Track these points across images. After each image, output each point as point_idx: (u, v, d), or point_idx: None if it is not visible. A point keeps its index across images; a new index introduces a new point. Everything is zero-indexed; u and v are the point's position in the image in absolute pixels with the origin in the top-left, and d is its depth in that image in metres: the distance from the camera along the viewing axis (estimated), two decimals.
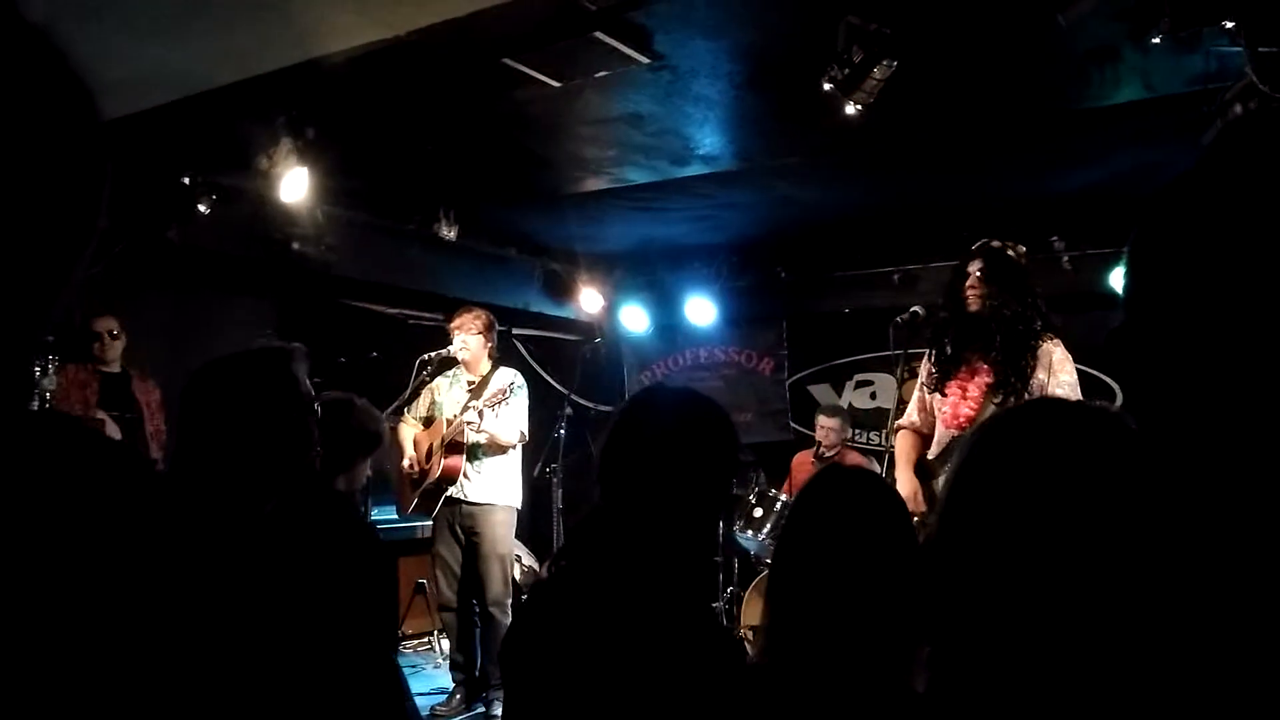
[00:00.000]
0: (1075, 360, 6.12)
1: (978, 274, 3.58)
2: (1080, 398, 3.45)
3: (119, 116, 4.46)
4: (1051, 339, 3.54)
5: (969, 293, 3.58)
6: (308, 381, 1.91)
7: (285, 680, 1.65)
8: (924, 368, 3.82)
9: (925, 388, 3.80)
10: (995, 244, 3.67)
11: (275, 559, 1.70)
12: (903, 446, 3.84)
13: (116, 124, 4.51)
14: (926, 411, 3.80)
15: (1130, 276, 0.81)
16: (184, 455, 1.81)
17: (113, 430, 4.71)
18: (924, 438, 3.80)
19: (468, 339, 4.99)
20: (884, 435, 4.23)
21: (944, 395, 3.66)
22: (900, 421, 3.95)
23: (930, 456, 3.70)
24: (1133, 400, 0.83)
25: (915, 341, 3.80)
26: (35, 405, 4.30)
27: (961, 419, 3.60)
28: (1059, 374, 3.48)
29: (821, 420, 6.21)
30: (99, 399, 4.87)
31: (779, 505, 5.68)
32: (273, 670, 1.64)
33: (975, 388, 3.58)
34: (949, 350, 3.64)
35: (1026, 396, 3.45)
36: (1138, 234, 0.81)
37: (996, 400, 3.51)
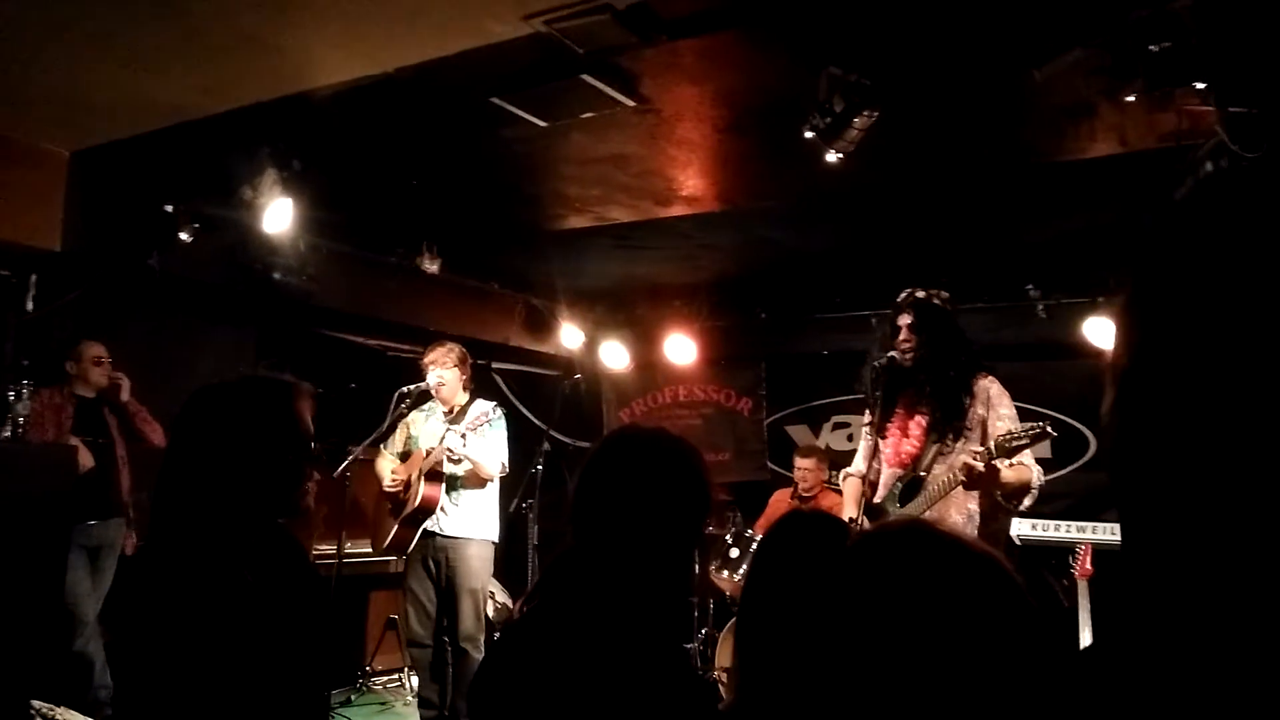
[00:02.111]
0: (1049, 407, 6.20)
1: (907, 327, 3.69)
2: (1021, 426, 3.51)
3: (105, 143, 4.48)
4: (985, 376, 3.65)
5: (902, 346, 3.68)
6: (309, 421, 1.86)
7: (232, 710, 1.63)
8: (866, 417, 3.92)
9: (868, 437, 3.87)
10: (920, 294, 3.77)
11: (232, 594, 1.68)
12: (849, 490, 4.00)
13: (102, 150, 4.53)
14: (871, 457, 3.85)
15: (1127, 348, 0.79)
16: (171, 477, 1.78)
17: (85, 456, 4.67)
18: (869, 483, 3.84)
19: (444, 373, 4.99)
20: (839, 476, 4.35)
21: (884, 437, 3.75)
22: (848, 470, 4.08)
23: (877, 500, 3.74)
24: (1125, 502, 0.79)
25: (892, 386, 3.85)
26: (8, 431, 4.27)
27: (904, 456, 3.68)
28: (998, 408, 3.58)
29: (799, 461, 6.23)
30: (73, 424, 4.83)
31: (754, 546, 5.67)
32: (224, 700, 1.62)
33: (915, 426, 3.68)
34: (886, 397, 3.73)
35: (966, 432, 3.56)
36: (1133, 308, 0.79)
37: (935, 439, 3.60)
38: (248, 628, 1.65)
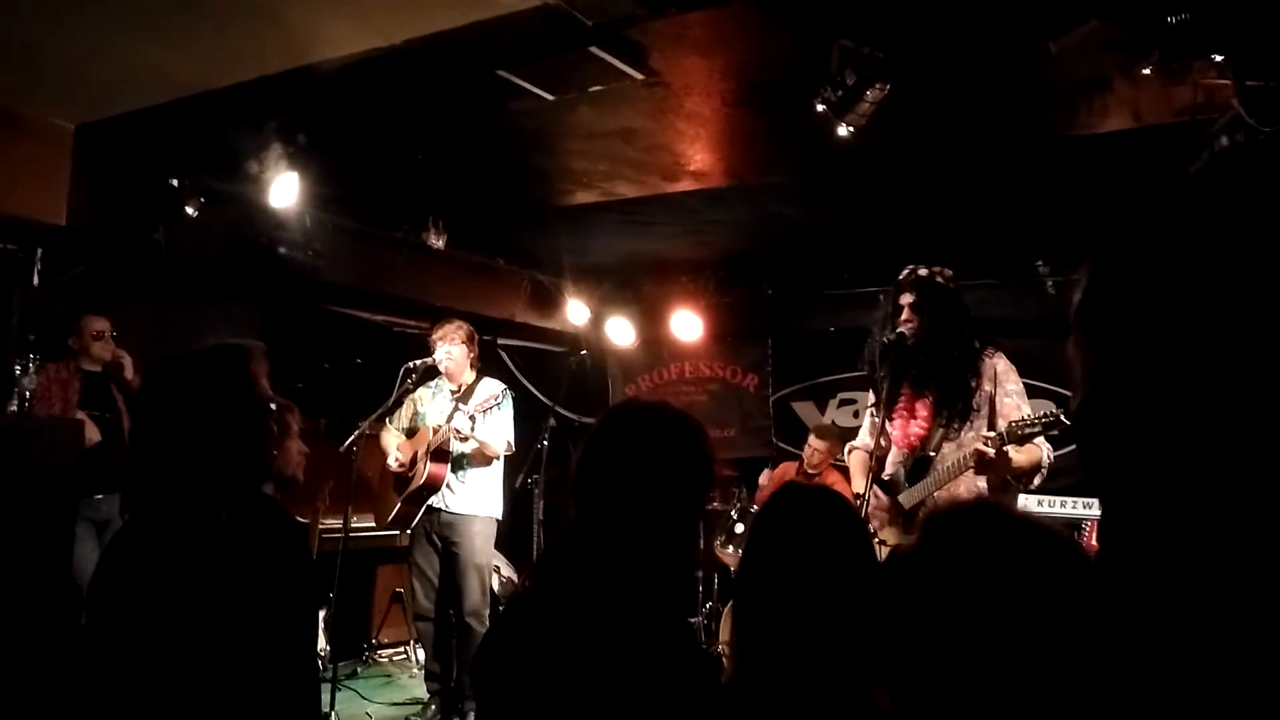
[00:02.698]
0: (1057, 383, 6.19)
1: (909, 306, 3.64)
2: (1027, 404, 3.54)
3: (110, 116, 4.45)
4: (992, 353, 3.62)
5: (904, 325, 3.63)
6: (265, 381, 1.86)
7: (208, 686, 1.63)
8: (870, 395, 3.91)
9: (874, 414, 3.86)
10: (923, 271, 3.71)
11: (214, 566, 1.67)
12: (856, 463, 4.00)
13: (107, 123, 4.50)
14: (879, 434, 3.82)
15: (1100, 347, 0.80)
16: (139, 453, 1.78)
17: (92, 430, 4.67)
18: (877, 459, 3.82)
19: (451, 349, 4.99)
20: (845, 451, 4.37)
21: (891, 420, 3.72)
22: (853, 444, 4.08)
23: (886, 476, 3.72)
24: (1100, 480, 0.82)
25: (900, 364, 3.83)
26: (15, 405, 4.27)
27: (912, 438, 3.66)
28: (1005, 384, 3.56)
29: (812, 441, 6.23)
30: (80, 399, 4.84)
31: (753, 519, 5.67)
32: (199, 674, 1.62)
33: (923, 407, 3.65)
34: (891, 378, 3.69)
35: (973, 413, 3.54)
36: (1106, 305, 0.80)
37: (943, 420, 3.58)
38: (225, 598, 1.64)
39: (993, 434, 3.35)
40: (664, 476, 1.69)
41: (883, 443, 3.77)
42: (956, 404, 3.55)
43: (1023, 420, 3.32)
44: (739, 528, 5.81)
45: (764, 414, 7.66)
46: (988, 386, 3.56)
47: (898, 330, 3.65)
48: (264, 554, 1.76)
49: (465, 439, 4.85)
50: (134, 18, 3.44)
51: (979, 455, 3.31)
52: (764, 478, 6.56)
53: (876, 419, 3.81)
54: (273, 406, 1.84)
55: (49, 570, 3.83)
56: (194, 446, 1.72)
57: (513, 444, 5.08)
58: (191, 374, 1.79)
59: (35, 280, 4.93)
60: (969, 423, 3.54)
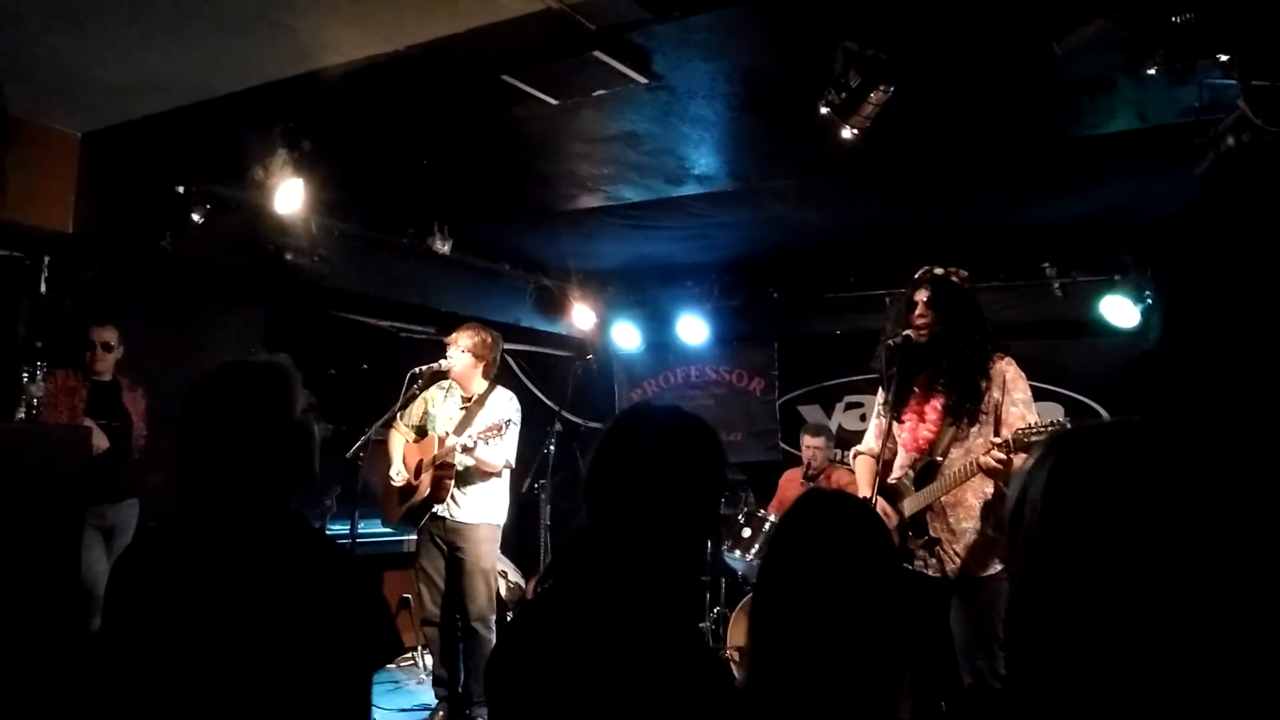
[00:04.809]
0: (1061, 385, 6.17)
1: (924, 303, 3.64)
2: (1033, 412, 3.53)
3: (116, 124, 4.47)
4: (1003, 359, 3.61)
5: (918, 321, 3.63)
6: (306, 396, 1.87)
7: (257, 698, 1.63)
8: (879, 396, 3.88)
9: (881, 416, 3.84)
10: (939, 271, 3.72)
11: (258, 583, 1.68)
12: (862, 469, 3.93)
13: (113, 131, 4.51)
14: (885, 438, 3.81)
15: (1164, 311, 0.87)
16: (186, 469, 1.77)
17: (99, 438, 4.69)
18: (884, 463, 3.80)
19: (455, 354, 4.97)
20: (849, 454, 4.31)
21: (900, 421, 3.71)
22: (859, 448, 4.03)
23: (892, 480, 3.71)
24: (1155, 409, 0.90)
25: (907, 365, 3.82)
26: (23, 412, 4.28)
27: (921, 441, 3.65)
28: (1013, 392, 3.54)
29: (806, 439, 6.22)
30: (87, 407, 4.85)
31: (767, 526, 5.67)
32: (248, 688, 1.61)
33: (932, 410, 3.64)
34: (901, 378, 3.68)
35: (981, 416, 3.53)
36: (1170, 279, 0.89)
37: (952, 421, 3.57)
38: (282, 611, 1.65)
39: (1000, 441, 3.35)
40: (678, 481, 1.67)
41: (889, 445, 3.76)
42: (966, 404, 3.54)
43: (1029, 428, 3.31)
44: (746, 532, 5.80)
45: (770, 417, 7.65)
46: (995, 393, 3.55)
47: (905, 332, 3.65)
48: (320, 572, 1.75)
49: (469, 451, 4.83)
50: (139, 25, 3.45)
51: (989, 466, 3.32)
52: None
53: (884, 420, 3.80)
54: (310, 425, 1.84)
55: (57, 577, 3.84)
56: (237, 464, 1.73)
57: (512, 463, 5.02)
58: (237, 391, 1.79)
59: (42, 288, 4.94)
60: (977, 425, 3.53)
